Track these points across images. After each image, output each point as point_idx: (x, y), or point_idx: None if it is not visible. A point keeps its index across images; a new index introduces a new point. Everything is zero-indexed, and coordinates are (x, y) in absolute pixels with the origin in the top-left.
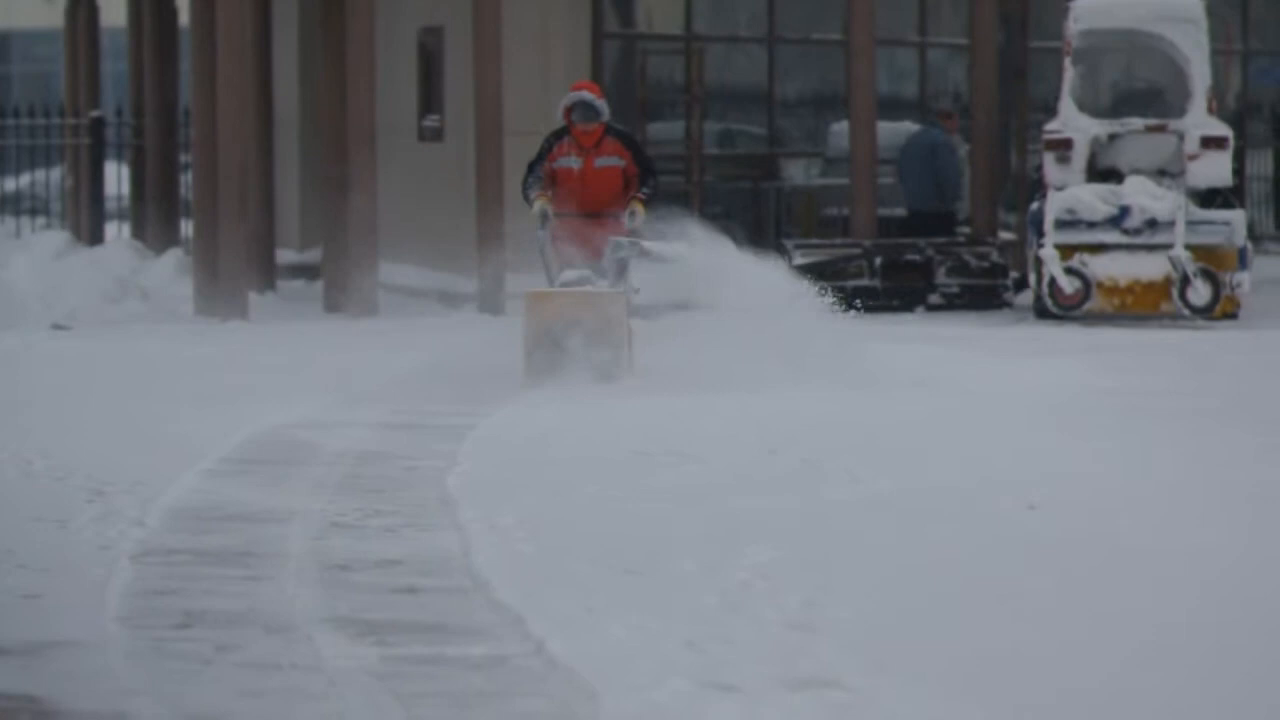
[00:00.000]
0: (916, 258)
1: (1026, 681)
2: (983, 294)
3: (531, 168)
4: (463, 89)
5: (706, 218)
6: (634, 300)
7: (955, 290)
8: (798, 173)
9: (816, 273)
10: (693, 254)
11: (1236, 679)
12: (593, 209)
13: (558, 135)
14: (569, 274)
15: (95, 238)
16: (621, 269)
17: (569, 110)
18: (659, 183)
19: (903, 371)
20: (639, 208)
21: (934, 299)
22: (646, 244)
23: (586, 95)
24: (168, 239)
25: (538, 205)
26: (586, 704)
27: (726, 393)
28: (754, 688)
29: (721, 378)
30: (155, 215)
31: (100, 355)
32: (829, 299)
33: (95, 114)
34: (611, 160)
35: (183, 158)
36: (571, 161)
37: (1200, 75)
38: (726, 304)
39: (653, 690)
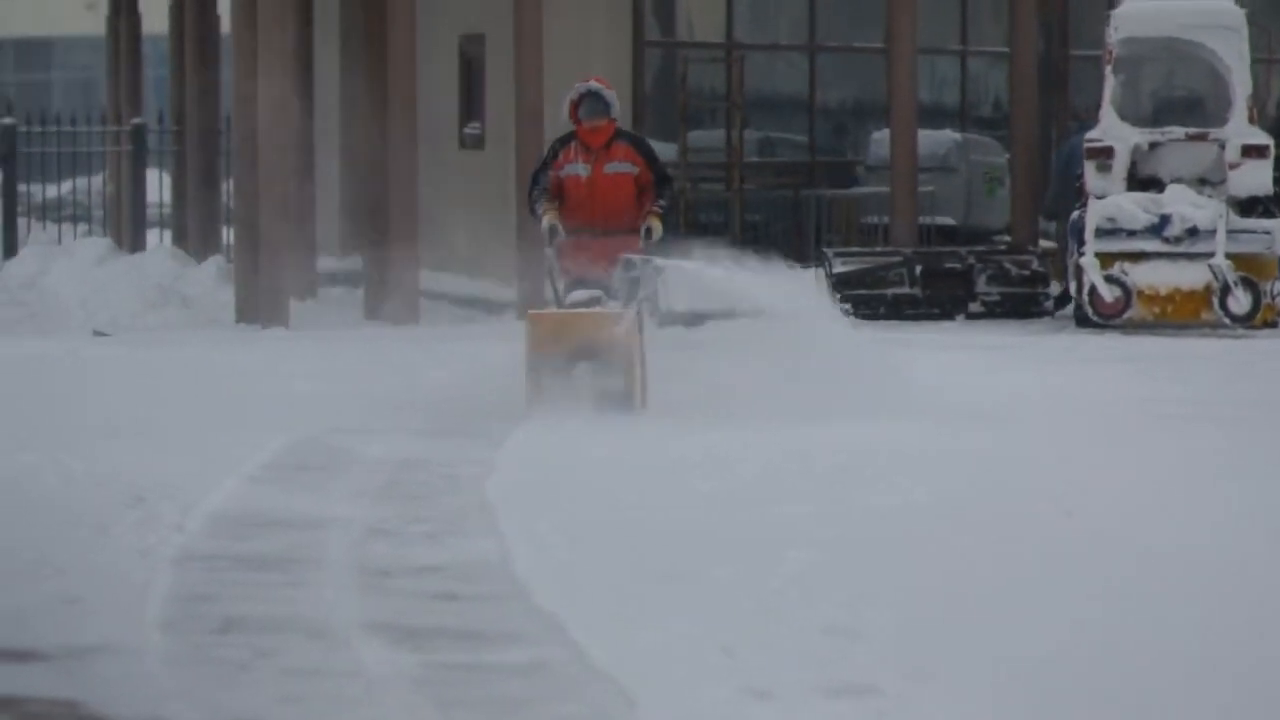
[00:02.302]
0: (957, 266)
1: (1064, 688)
2: (1023, 302)
3: (536, 178)
4: (504, 96)
5: (746, 226)
6: (661, 313)
7: (996, 298)
8: (838, 181)
9: (856, 281)
10: (711, 272)
11: (1274, 685)
12: (603, 221)
13: (563, 141)
14: (578, 294)
15: (137, 245)
16: (634, 288)
17: (575, 105)
18: (676, 193)
19: (942, 383)
20: (655, 222)
21: (974, 307)
22: (661, 261)
23: (595, 85)
24: (209, 246)
25: (545, 220)
26: (624, 710)
27: (750, 426)
28: (791, 694)
29: (746, 408)
30: (196, 222)
31: (141, 362)
32: (856, 312)
33: (137, 121)
34: (623, 167)
35: (224, 165)
36: (579, 169)
37: (1241, 84)
38: (750, 318)
39: (690, 696)
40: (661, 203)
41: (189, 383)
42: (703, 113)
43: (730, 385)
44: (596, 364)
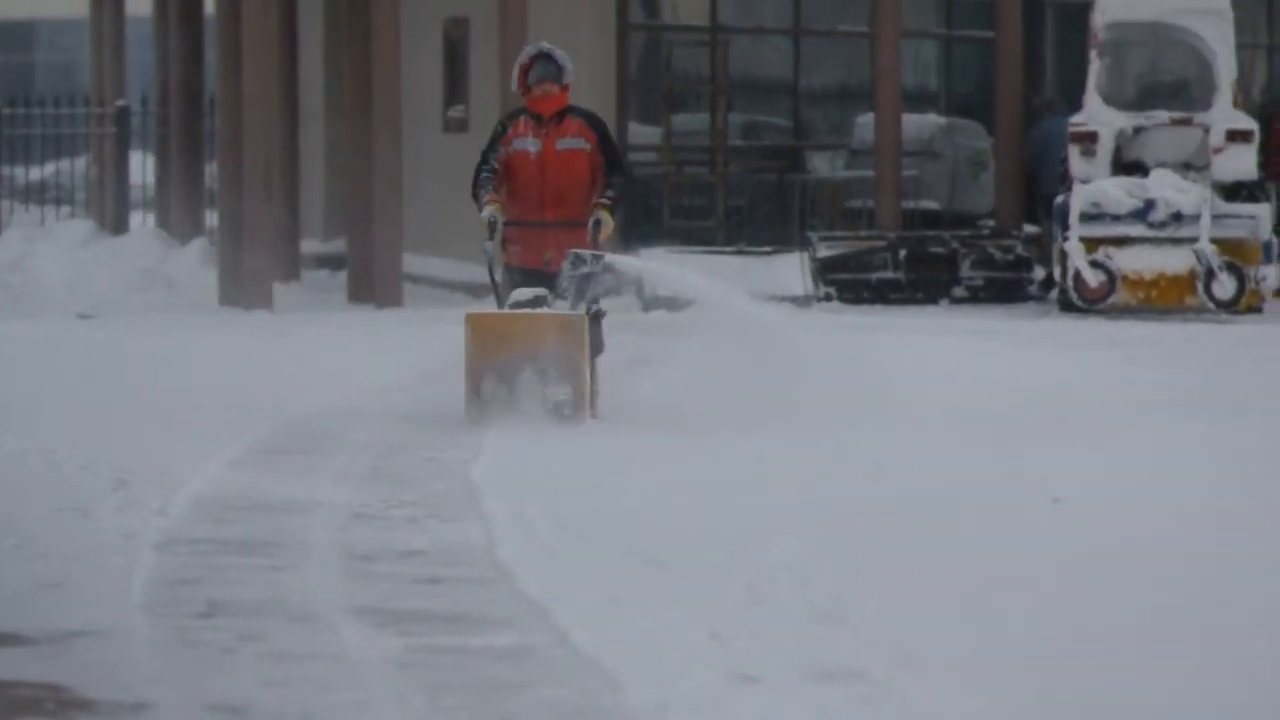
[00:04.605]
0: (941, 250)
1: (1050, 674)
2: (1007, 287)
3: (485, 157)
4: (488, 80)
5: (730, 209)
6: (646, 299)
7: (980, 283)
8: (823, 165)
9: (840, 265)
10: (662, 270)
11: (1258, 672)
12: (553, 205)
13: (513, 116)
14: (521, 293)
15: (120, 227)
16: (583, 287)
17: (526, 69)
18: (628, 182)
19: (925, 370)
20: (605, 215)
21: (958, 291)
22: (612, 258)
23: (547, 46)
24: (193, 228)
25: (486, 211)
26: (610, 695)
27: (713, 434)
28: (778, 680)
29: (710, 416)
30: (180, 205)
31: (124, 345)
32: (840, 296)
33: (120, 103)
34: (575, 143)
35: (208, 147)
36: (528, 144)
37: (1226, 68)
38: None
39: (677, 682)
40: (610, 193)
41: (172, 366)
42: (687, 96)
43: (692, 403)
44: (541, 372)
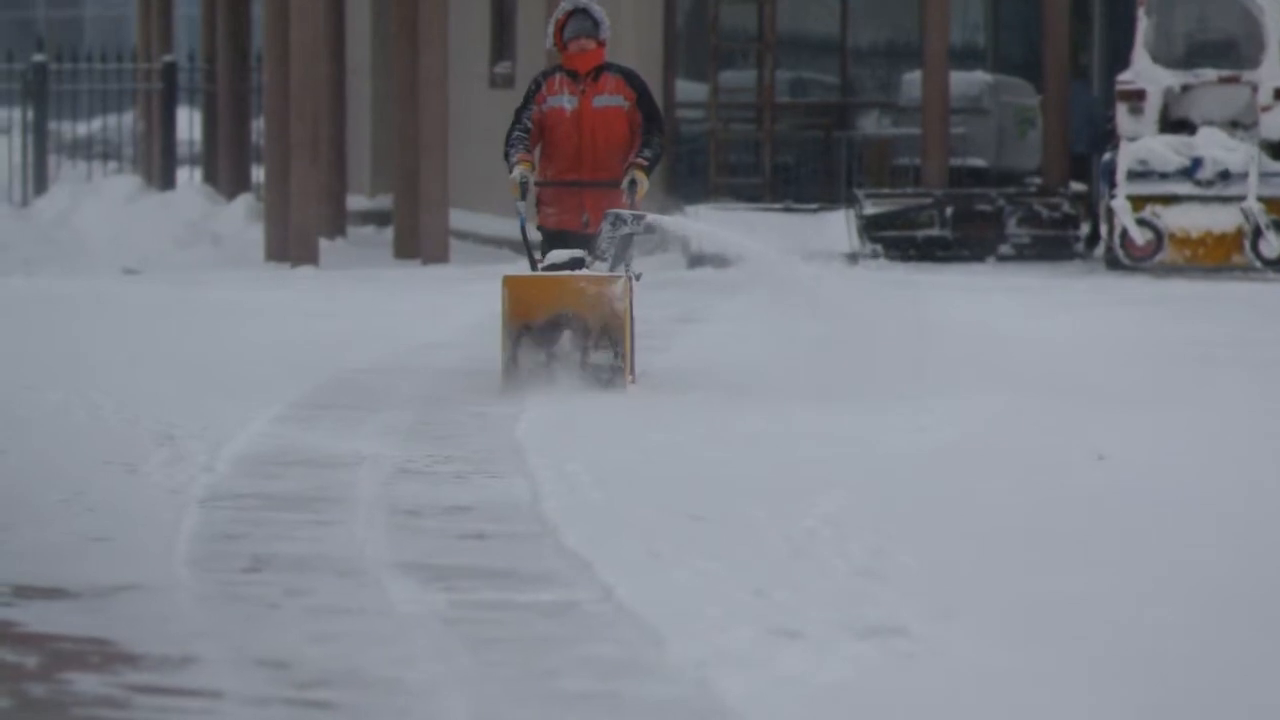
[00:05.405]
0: (987, 208)
1: (1091, 629)
2: (1053, 244)
3: (518, 116)
4: (535, 36)
5: (777, 167)
6: (691, 255)
7: (1026, 240)
8: (869, 122)
9: (887, 222)
10: (701, 229)
11: None
12: (590, 163)
13: (548, 73)
14: (557, 254)
15: (167, 183)
16: (623, 248)
17: (561, 25)
18: (666, 141)
19: (973, 326)
20: (640, 175)
21: (1004, 249)
22: (653, 217)
23: (584, 1)
24: (239, 184)
25: (516, 171)
26: (653, 649)
27: (756, 392)
28: (820, 635)
29: (752, 374)
30: (226, 160)
31: (171, 300)
32: (887, 253)
33: (168, 59)
34: (614, 100)
35: (254, 103)
36: (564, 100)
37: (1274, 26)
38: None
39: (719, 636)
40: (646, 153)
41: (218, 321)
42: (734, 53)
43: (733, 368)
44: (580, 336)
